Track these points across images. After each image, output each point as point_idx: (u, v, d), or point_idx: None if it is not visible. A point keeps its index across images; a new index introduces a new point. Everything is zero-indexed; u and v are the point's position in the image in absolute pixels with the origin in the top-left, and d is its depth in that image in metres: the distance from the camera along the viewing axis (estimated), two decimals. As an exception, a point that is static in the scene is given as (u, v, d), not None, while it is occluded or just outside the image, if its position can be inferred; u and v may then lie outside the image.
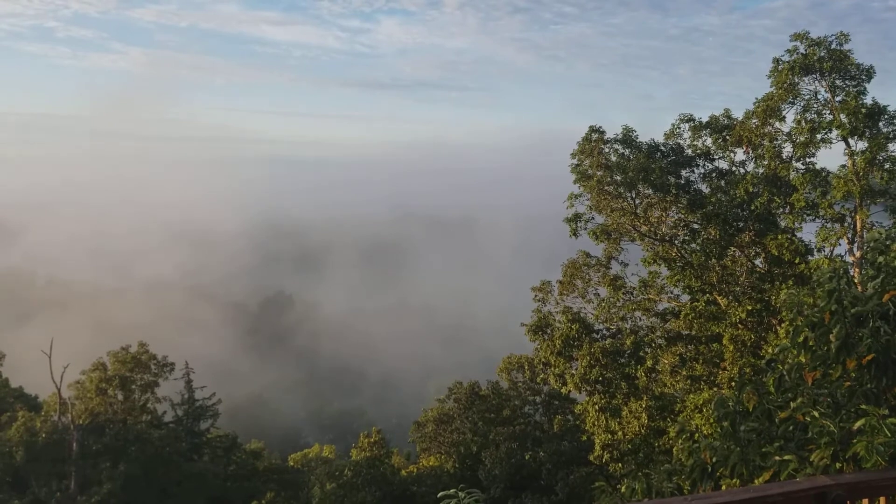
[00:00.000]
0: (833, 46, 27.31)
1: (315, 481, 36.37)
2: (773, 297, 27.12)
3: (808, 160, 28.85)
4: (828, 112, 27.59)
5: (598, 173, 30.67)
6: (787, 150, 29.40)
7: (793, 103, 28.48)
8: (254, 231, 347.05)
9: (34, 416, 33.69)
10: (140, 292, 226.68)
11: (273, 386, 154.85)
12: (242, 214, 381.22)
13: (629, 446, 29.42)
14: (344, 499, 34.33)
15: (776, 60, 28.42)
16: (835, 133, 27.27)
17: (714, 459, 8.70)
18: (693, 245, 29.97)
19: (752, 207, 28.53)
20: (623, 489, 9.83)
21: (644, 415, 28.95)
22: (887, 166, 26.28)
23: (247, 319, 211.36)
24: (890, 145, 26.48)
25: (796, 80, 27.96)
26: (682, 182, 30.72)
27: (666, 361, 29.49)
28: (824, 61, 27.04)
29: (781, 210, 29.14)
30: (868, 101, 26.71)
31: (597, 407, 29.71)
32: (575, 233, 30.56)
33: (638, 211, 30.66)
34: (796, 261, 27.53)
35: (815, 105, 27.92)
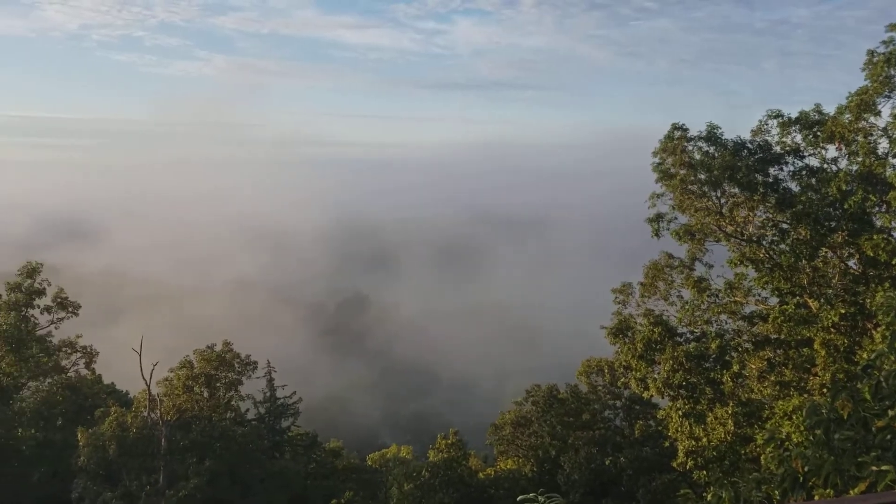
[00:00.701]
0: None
1: (393, 482, 36.57)
2: (869, 300, 25.85)
3: (906, 156, 27.40)
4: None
5: (682, 172, 29.86)
6: (883, 145, 27.96)
7: (889, 97, 27.13)
8: (330, 233, 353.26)
9: (125, 412, 34.91)
10: (221, 293, 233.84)
11: (349, 386, 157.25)
12: (319, 216, 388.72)
13: (714, 453, 28.55)
14: (422, 500, 34.46)
15: (871, 52, 27.11)
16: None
17: (806, 469, 8.35)
18: (782, 246, 28.84)
19: (846, 206, 27.25)
20: (709, 497, 9.52)
21: (730, 421, 28.05)
22: None
23: (324, 320, 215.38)
24: None
25: (893, 73, 26.61)
26: (770, 180, 29.59)
27: (753, 366, 28.52)
28: (924, 52, 25.67)
29: (877, 209, 27.75)
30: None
31: (680, 412, 28.94)
32: (657, 233, 29.85)
33: (723, 210, 29.72)
34: (893, 262, 26.18)
35: (914, 99, 26.55)
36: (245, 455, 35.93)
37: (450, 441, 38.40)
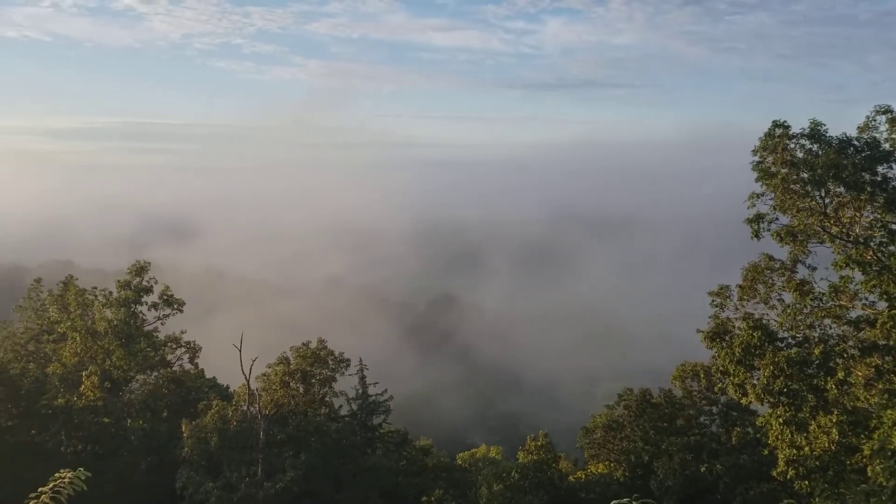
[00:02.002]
0: None
1: (482, 482, 36.70)
2: None
3: None
4: None
5: (783, 171, 28.84)
6: None
7: None
8: (418, 232, 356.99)
9: (226, 405, 36.33)
10: (311, 290, 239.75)
11: (436, 385, 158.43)
12: (407, 216, 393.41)
13: (817, 463, 27.47)
14: (511, 501, 34.47)
15: None
16: None
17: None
18: (891, 248, 27.49)
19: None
20: (815, 508, 9.23)
21: (834, 430, 26.92)
22: None
23: (411, 318, 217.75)
24: None
25: None
26: (879, 179, 28.24)
27: (860, 373, 27.28)
28: None
29: None
30: None
31: (781, 420, 27.95)
32: (757, 234, 28.90)
33: (828, 211, 28.54)
34: None
35: None
36: (339, 450, 36.81)
37: (539, 443, 38.25)
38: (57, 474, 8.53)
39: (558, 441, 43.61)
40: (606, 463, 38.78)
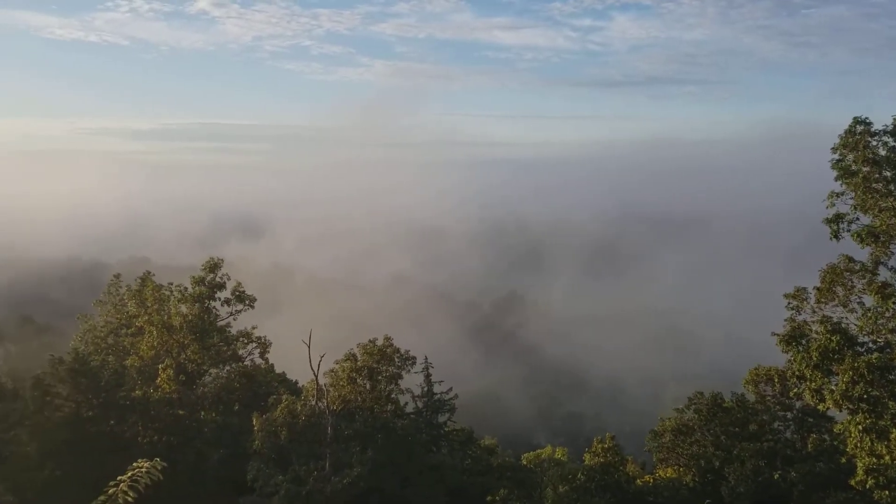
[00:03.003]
0: None
1: (548, 482, 36.48)
2: None
3: None
4: None
5: (865, 169, 27.81)
6: None
7: None
8: (484, 231, 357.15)
9: (295, 400, 36.99)
10: (376, 288, 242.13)
11: (500, 384, 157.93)
12: (473, 215, 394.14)
13: (899, 473, 26.38)
14: (577, 502, 34.14)
15: None
16: None
17: None
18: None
19: None
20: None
21: (919, 440, 25.81)
22: None
23: (475, 316, 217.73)
24: None
25: None
26: (969, 178, 26.97)
27: (946, 381, 26.09)
28: None
29: None
30: None
31: (860, 427, 26.91)
32: (836, 235, 27.94)
33: (913, 211, 27.36)
34: None
35: None
36: (404, 447, 37.08)
37: (606, 445, 37.78)
38: (135, 464, 8.80)
39: (624, 444, 42.97)
40: (675, 467, 38.02)
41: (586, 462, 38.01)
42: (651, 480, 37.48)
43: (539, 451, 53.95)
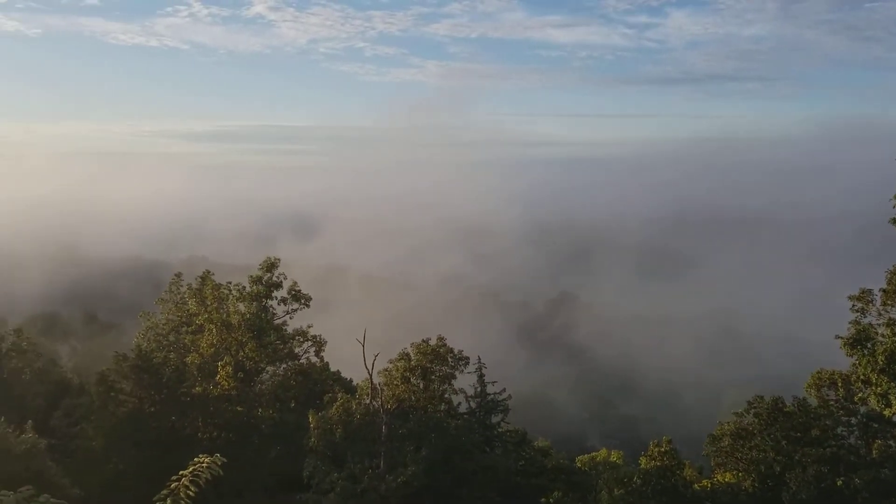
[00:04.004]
0: None
1: (602, 485, 36.13)
2: None
3: None
4: None
5: (935, 168, 26.92)
6: None
7: None
8: (535, 231, 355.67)
9: (350, 399, 37.39)
10: (430, 288, 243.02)
11: (552, 385, 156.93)
12: (525, 215, 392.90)
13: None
14: (632, 506, 33.74)
15: None
16: None
17: None
18: None
19: None
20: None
21: None
22: None
23: (525, 316, 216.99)
24: None
25: None
26: None
27: None
28: None
29: None
30: None
31: (930, 435, 26.10)
32: (904, 236, 27.08)
33: None
34: None
35: None
36: (458, 447, 37.14)
37: (663, 449, 37.28)
38: (196, 459, 9.01)
39: (679, 447, 42.32)
40: (734, 472, 37.29)
41: (642, 466, 37.55)
42: (709, 485, 36.85)
43: (594, 453, 53.55)
